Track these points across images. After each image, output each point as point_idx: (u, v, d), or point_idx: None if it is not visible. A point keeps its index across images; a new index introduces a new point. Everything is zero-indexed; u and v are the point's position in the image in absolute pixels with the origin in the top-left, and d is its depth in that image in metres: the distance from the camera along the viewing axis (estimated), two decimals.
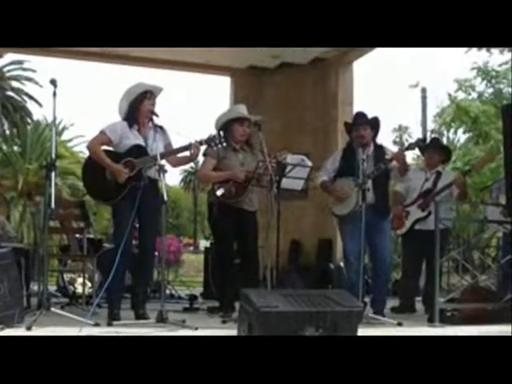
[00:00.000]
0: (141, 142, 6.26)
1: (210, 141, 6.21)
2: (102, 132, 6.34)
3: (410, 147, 6.97)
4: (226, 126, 7.01)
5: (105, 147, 6.37)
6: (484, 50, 17.26)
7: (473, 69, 18.39)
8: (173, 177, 59.79)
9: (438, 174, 7.98)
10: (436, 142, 8.90)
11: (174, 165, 6.63)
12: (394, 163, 6.92)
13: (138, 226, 6.60)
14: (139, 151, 6.22)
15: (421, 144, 6.86)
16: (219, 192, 6.82)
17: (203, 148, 6.47)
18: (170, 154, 6.26)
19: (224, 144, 6.32)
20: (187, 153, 6.30)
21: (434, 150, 8.17)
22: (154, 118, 6.30)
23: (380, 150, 7.09)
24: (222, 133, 6.25)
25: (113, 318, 6.01)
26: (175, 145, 6.46)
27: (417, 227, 7.82)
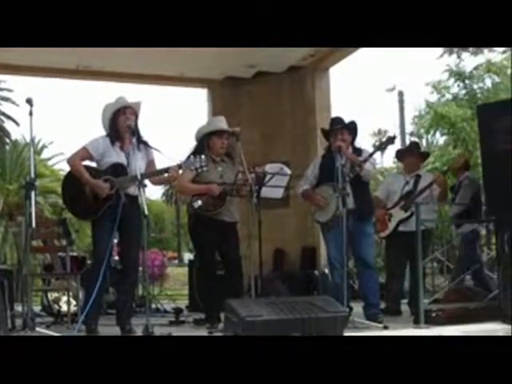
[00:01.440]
0: (122, 159, 6.26)
1: (189, 164, 6.19)
2: (84, 148, 6.34)
3: (382, 146, 6.96)
4: (205, 138, 7.02)
5: (86, 163, 6.38)
6: (455, 54, 17.46)
7: (445, 71, 18.56)
8: (154, 191, 59.59)
9: (418, 177, 8.01)
10: (414, 146, 8.92)
11: (155, 184, 6.62)
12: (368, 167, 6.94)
13: (119, 241, 6.61)
14: (119, 170, 6.22)
15: (391, 142, 6.84)
16: (196, 204, 6.83)
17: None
18: (148, 175, 6.23)
19: (205, 168, 6.29)
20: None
21: (413, 154, 8.21)
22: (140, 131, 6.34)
23: (359, 153, 7.10)
24: (203, 157, 6.23)
25: (90, 333, 6.01)
26: (156, 160, 6.49)
27: (400, 229, 7.83)
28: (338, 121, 7.21)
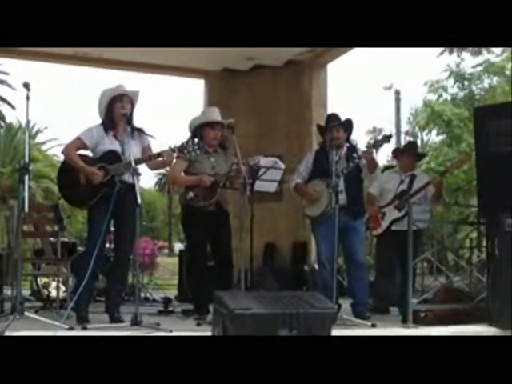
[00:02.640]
0: (116, 147, 6.27)
1: (183, 148, 6.21)
2: (78, 138, 6.37)
3: (377, 144, 6.97)
4: (199, 129, 7.03)
5: (81, 151, 6.39)
6: (455, 53, 17.42)
7: (445, 70, 18.53)
8: (147, 179, 59.61)
9: (413, 177, 7.99)
10: (411, 146, 8.90)
11: (152, 168, 6.65)
12: (364, 163, 6.97)
13: (113, 229, 6.62)
14: (113, 157, 6.24)
15: (387, 141, 6.85)
16: (188, 195, 6.84)
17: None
18: (142, 161, 6.24)
19: (198, 152, 6.32)
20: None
21: (410, 154, 8.19)
22: (134, 120, 6.35)
23: (353, 151, 7.12)
24: (196, 140, 6.25)
25: (81, 320, 6.01)
26: (152, 146, 6.50)
27: (393, 228, 7.80)
28: (334, 118, 7.23)
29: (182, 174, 6.98)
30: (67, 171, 6.40)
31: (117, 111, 6.31)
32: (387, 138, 6.86)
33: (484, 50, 18.31)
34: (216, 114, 7.12)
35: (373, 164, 6.99)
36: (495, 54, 17.88)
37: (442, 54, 18.33)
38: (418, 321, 6.34)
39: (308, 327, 4.52)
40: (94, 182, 6.15)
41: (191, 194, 6.83)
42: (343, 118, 7.21)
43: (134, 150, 6.14)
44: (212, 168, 6.93)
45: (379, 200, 8.07)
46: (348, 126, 7.18)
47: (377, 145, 6.97)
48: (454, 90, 18.99)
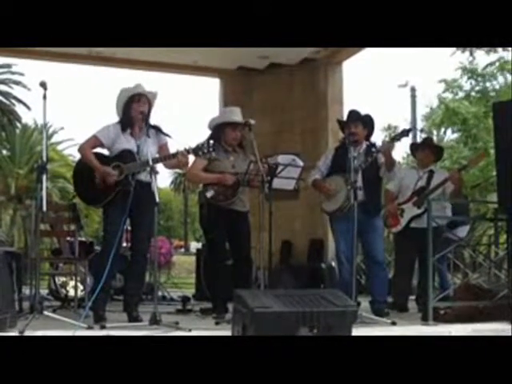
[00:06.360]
0: (132, 146, 6.26)
1: (197, 150, 6.18)
2: (95, 136, 6.36)
3: (396, 138, 6.92)
4: (219, 128, 7.00)
5: (98, 150, 6.39)
6: (468, 52, 17.36)
7: (458, 68, 18.48)
8: (163, 178, 59.60)
9: (431, 173, 7.94)
10: (429, 141, 8.85)
11: (167, 167, 6.64)
12: (382, 161, 6.93)
13: (129, 228, 6.61)
14: (128, 156, 6.22)
15: (406, 135, 6.79)
16: (209, 194, 6.81)
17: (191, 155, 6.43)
18: (156, 161, 6.21)
19: (213, 154, 6.31)
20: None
21: (427, 149, 8.14)
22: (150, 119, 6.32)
23: (372, 147, 7.08)
24: (211, 141, 6.22)
25: (98, 319, 5.99)
26: (169, 146, 6.48)
27: (412, 225, 7.76)
28: (353, 113, 7.18)
29: (202, 172, 6.95)
30: (82, 170, 6.41)
31: (134, 110, 6.29)
32: (406, 132, 6.81)
33: (499, 48, 18.24)
34: (238, 115, 7.06)
35: (390, 161, 6.95)
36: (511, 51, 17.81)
37: (454, 53, 18.29)
38: (438, 318, 6.30)
39: (329, 325, 4.49)
40: (107, 181, 6.14)
41: (212, 192, 6.80)
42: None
43: (150, 149, 6.12)
44: (232, 167, 6.90)
45: (397, 196, 8.03)
46: (367, 122, 7.12)
47: (396, 139, 6.91)
48: (468, 86, 18.95)
